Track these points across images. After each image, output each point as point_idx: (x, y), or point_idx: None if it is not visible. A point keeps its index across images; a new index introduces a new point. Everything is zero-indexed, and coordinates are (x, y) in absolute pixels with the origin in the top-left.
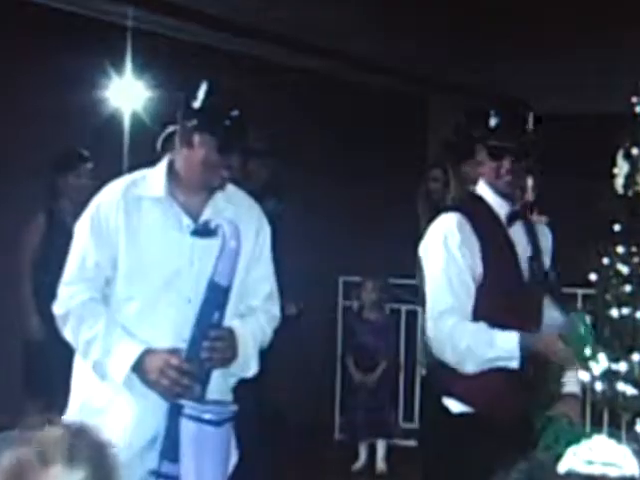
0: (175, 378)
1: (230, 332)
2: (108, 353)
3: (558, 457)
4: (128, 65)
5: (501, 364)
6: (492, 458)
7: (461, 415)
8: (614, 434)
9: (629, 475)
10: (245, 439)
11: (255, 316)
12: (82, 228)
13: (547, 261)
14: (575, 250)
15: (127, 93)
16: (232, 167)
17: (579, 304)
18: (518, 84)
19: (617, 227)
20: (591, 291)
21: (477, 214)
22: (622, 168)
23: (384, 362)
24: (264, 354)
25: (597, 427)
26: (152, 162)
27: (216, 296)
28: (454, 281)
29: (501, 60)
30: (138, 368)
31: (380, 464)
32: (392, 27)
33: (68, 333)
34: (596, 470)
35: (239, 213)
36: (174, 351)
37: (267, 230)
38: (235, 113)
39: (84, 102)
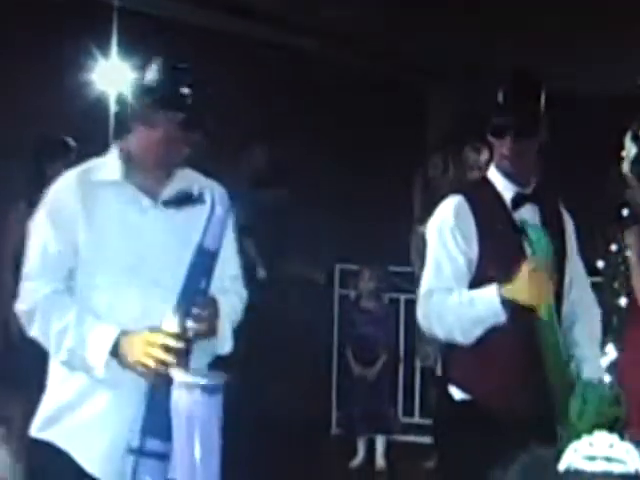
0: (159, 357)
1: (214, 301)
2: (83, 341)
3: (559, 453)
4: (114, 46)
5: (489, 322)
6: (492, 447)
7: (463, 402)
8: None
9: (633, 471)
10: (237, 434)
11: (228, 295)
12: (39, 220)
13: (571, 246)
14: (581, 236)
15: (113, 75)
16: (196, 143)
17: None
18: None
19: (625, 212)
20: (598, 279)
21: (480, 197)
22: (630, 151)
23: (384, 354)
24: (258, 344)
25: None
26: None
27: (204, 261)
28: (444, 263)
29: (502, 43)
30: (117, 352)
31: (379, 460)
32: (392, 14)
33: (35, 330)
34: (598, 467)
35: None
36: (154, 329)
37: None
38: (198, 88)
39: (68, 85)
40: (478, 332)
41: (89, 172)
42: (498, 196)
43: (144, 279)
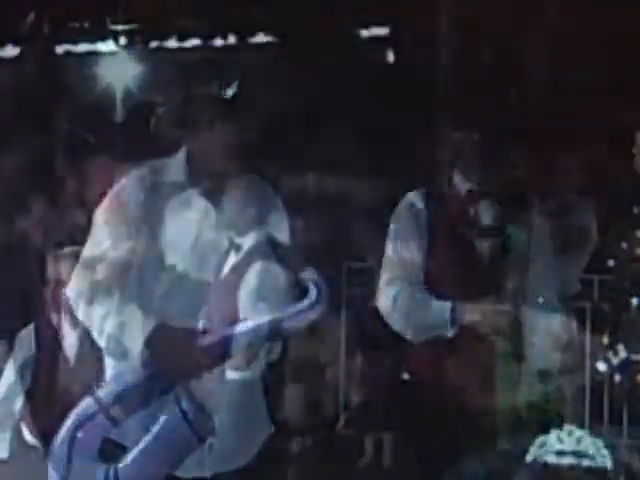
0: (195, 358)
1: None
2: (122, 327)
3: (526, 448)
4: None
5: (438, 332)
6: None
7: (407, 382)
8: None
9: (601, 466)
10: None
11: None
12: (101, 214)
13: (539, 244)
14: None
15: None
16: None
17: (595, 291)
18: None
19: (636, 209)
20: (609, 277)
21: (437, 191)
22: None
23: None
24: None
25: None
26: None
27: (270, 332)
28: (401, 254)
29: None
30: (151, 343)
31: (387, 459)
32: None
33: (81, 314)
34: (565, 461)
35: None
36: (193, 330)
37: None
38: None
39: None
40: (426, 336)
41: (155, 172)
42: (455, 190)
43: (199, 278)
